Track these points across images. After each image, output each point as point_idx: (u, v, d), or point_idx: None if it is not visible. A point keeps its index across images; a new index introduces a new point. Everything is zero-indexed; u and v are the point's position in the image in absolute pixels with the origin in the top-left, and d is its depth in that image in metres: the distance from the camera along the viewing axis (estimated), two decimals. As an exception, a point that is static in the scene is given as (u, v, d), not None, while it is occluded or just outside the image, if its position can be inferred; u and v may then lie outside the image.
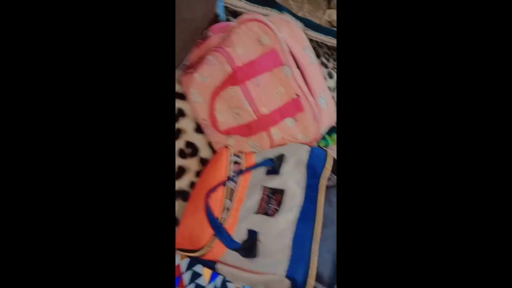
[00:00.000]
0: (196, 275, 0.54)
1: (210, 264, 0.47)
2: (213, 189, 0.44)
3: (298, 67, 0.47)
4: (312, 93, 0.47)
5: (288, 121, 0.49)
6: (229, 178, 0.45)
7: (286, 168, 0.45)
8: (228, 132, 0.52)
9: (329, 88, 0.87)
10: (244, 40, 0.46)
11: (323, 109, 0.49)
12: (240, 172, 0.47)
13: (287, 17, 0.48)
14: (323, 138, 0.81)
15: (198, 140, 0.58)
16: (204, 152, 0.58)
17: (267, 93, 0.47)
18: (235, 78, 0.46)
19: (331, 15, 1.07)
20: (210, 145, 0.59)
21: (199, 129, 0.58)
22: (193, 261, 0.53)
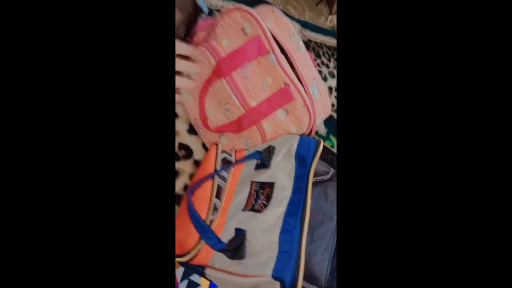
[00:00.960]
0: (192, 285, 0.51)
1: (199, 270, 0.43)
2: (196, 185, 0.41)
3: (285, 54, 0.44)
4: (302, 82, 0.44)
5: (279, 113, 0.46)
6: (216, 171, 0.42)
7: (276, 160, 0.42)
8: (219, 130, 0.50)
9: (330, 88, 0.84)
10: (228, 31, 0.44)
11: (316, 99, 0.46)
12: (228, 166, 0.44)
13: (273, 7, 0.47)
14: (328, 138, 0.77)
15: (191, 141, 0.57)
16: (198, 154, 0.56)
17: (255, 84, 0.45)
18: (220, 70, 0.44)
19: (333, 20, 1.06)
20: (204, 146, 0.57)
21: (192, 130, 0.57)
22: (188, 269, 0.50)
